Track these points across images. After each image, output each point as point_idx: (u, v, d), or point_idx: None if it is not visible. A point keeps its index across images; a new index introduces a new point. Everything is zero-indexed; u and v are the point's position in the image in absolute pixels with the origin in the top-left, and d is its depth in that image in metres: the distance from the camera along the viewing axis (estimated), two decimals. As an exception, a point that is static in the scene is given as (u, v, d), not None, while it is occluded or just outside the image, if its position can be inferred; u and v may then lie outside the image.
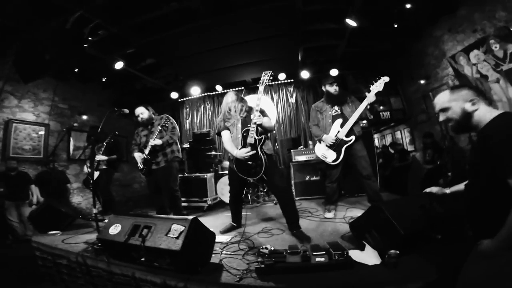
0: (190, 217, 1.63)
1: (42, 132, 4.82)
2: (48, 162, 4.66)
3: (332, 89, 2.95)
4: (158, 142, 3.04)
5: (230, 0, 3.57)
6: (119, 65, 4.51)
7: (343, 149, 2.87)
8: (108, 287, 1.73)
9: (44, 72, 4.54)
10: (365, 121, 3.10)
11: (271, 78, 2.49)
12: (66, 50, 4.02)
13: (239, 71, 5.56)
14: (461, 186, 1.60)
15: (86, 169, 4.09)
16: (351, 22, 3.78)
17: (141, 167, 3.13)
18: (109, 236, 1.75)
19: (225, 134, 2.60)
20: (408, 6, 3.69)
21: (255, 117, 2.32)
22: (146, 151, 3.06)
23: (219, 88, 6.26)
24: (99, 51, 4.26)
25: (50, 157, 4.71)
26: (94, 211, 2.56)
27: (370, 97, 2.77)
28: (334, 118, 2.96)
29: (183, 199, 4.34)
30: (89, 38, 3.87)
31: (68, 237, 2.51)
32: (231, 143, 2.51)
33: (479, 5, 3.38)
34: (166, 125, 3.19)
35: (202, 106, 6.87)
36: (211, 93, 6.65)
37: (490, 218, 1.09)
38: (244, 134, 2.39)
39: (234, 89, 2.55)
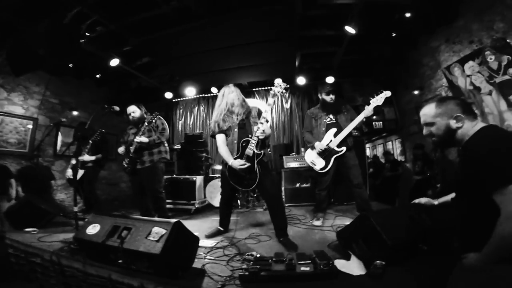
0: (173, 220, 1.57)
1: (30, 126, 4.68)
2: (33, 157, 4.51)
3: (328, 98, 2.94)
4: (144, 139, 2.94)
5: (228, 1, 3.56)
6: (114, 62, 4.44)
7: (332, 159, 2.87)
8: (82, 288, 1.65)
9: (37, 67, 4.46)
10: (356, 131, 3.11)
11: (283, 91, 2.40)
12: (61, 45, 3.94)
13: (236, 74, 5.53)
14: (448, 198, 1.59)
15: (69, 172, 3.94)
16: (350, 30, 3.81)
17: (126, 165, 3.05)
18: (86, 236, 1.67)
19: (220, 138, 2.47)
20: (407, 15, 3.72)
21: (259, 131, 2.24)
22: (132, 149, 2.98)
23: (214, 90, 6.21)
24: (95, 47, 4.19)
25: (35, 151, 4.57)
26: (75, 209, 2.47)
27: (368, 111, 2.77)
28: (328, 127, 2.95)
29: (170, 201, 4.27)
30: (87, 34, 3.80)
31: (45, 235, 2.40)
32: (226, 149, 2.41)
33: (478, 15, 3.39)
34: (156, 124, 3.12)
35: (196, 107, 6.81)
36: (206, 95, 6.61)
37: (476, 232, 1.08)
38: (243, 145, 2.31)
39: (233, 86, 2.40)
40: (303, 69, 5.64)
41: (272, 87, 2.41)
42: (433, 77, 4.52)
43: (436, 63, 4.35)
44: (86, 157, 3.73)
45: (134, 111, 3.16)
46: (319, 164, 2.93)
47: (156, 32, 3.98)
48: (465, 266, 1.10)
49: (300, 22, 3.94)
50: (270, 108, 2.34)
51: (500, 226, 0.98)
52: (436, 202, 1.71)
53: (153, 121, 3.02)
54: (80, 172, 3.76)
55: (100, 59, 4.48)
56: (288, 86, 2.37)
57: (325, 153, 2.88)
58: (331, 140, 2.88)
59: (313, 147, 2.98)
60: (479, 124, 1.21)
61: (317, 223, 2.87)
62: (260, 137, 2.26)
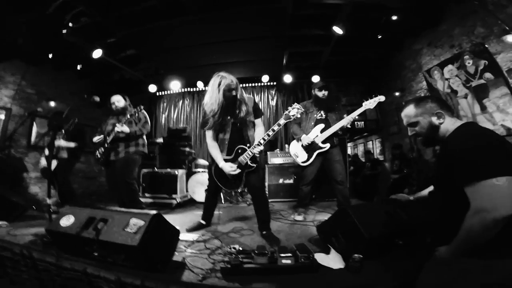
0: (152, 212, 1.53)
1: (2, 116, 4.39)
2: (4, 148, 4.24)
3: (321, 93, 2.96)
4: (126, 129, 2.81)
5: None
6: (97, 53, 4.25)
7: (315, 154, 2.90)
8: (57, 283, 1.57)
9: (14, 56, 4.23)
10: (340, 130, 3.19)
11: (298, 115, 2.19)
12: (42, 35, 3.73)
13: (223, 69, 5.40)
14: (424, 193, 1.66)
15: (43, 162, 3.72)
16: (337, 30, 3.86)
17: (99, 156, 2.93)
18: (60, 228, 1.59)
19: (209, 134, 2.35)
20: (394, 17, 3.81)
21: (257, 149, 2.17)
22: (109, 139, 2.87)
23: (200, 85, 6.12)
24: (79, 38, 4.00)
25: (7, 142, 4.30)
26: (48, 201, 2.35)
27: (358, 111, 2.84)
28: (317, 122, 2.99)
29: (151, 195, 4.17)
30: (70, 25, 3.61)
31: (16, 229, 2.28)
32: (217, 147, 2.32)
33: (461, 20, 3.49)
34: (139, 117, 3.01)
35: (181, 101, 6.68)
36: (191, 89, 6.49)
37: (448, 226, 1.12)
38: (239, 151, 2.25)
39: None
40: (290, 67, 5.67)
41: (289, 108, 2.21)
42: (413, 79, 4.67)
43: (418, 65, 4.49)
44: (62, 142, 3.53)
45: (118, 100, 3.04)
46: (301, 156, 2.97)
47: (143, 25, 3.87)
48: (436, 258, 1.15)
49: (289, 21, 3.95)
50: (278, 128, 2.21)
51: (467, 219, 1.02)
52: (412, 197, 1.78)
53: (136, 114, 2.91)
54: (54, 163, 3.56)
55: (82, 50, 4.28)
56: (300, 109, 2.20)
57: (309, 147, 2.92)
58: (317, 135, 2.92)
59: (299, 140, 3.00)
60: (458, 121, 1.26)
61: (299, 218, 2.91)
62: (257, 154, 2.20)
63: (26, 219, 2.82)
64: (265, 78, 5.95)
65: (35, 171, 4.74)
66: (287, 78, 5.70)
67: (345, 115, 2.96)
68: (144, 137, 3.13)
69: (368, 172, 5.43)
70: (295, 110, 2.18)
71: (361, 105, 2.87)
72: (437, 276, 1.11)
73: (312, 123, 3.00)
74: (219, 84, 2.16)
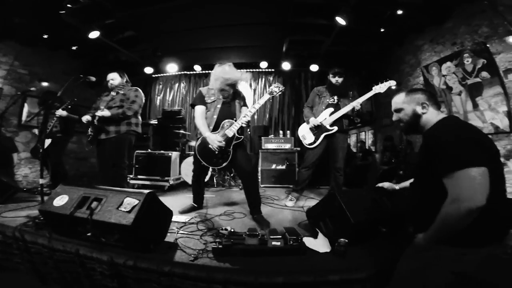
0: (146, 191, 1.55)
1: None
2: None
3: (334, 80, 2.99)
4: (106, 113, 2.69)
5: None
6: (94, 34, 4.09)
7: (321, 136, 2.95)
8: (49, 265, 1.60)
9: (8, 36, 4.08)
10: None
11: (280, 93, 2.46)
12: (40, 16, 3.57)
13: (222, 53, 5.37)
14: (407, 183, 1.73)
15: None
16: (340, 20, 3.81)
17: (89, 133, 2.82)
18: (53, 208, 1.60)
19: (199, 109, 2.44)
20: (399, 12, 3.75)
21: (245, 119, 2.29)
22: (95, 118, 2.75)
23: (197, 68, 6.03)
24: (76, 19, 3.81)
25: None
26: (41, 181, 2.34)
27: (368, 95, 2.85)
28: (328, 106, 3.02)
29: (144, 177, 4.17)
30: (68, 6, 3.44)
31: (7, 211, 2.24)
32: (204, 122, 2.39)
33: (467, 19, 3.47)
34: (128, 96, 2.87)
35: (177, 84, 6.59)
36: (188, 72, 6.38)
37: (427, 215, 1.16)
38: (226, 125, 2.35)
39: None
40: (289, 54, 5.59)
41: (273, 85, 2.45)
42: (411, 74, 4.71)
43: (417, 61, 4.50)
44: (62, 112, 3.45)
45: (114, 78, 2.94)
46: (308, 139, 3.02)
47: (143, 6, 3.73)
48: (413, 246, 1.21)
49: (293, 8, 3.87)
50: (263, 102, 2.43)
51: (444, 208, 1.06)
52: (397, 187, 1.85)
53: (129, 94, 2.84)
54: (47, 143, 3.51)
55: (78, 31, 4.11)
56: (283, 88, 2.46)
57: (317, 130, 2.97)
58: (325, 118, 2.96)
59: (308, 122, 3.05)
60: (441, 115, 1.31)
61: (289, 204, 2.98)
62: (243, 125, 2.31)
63: (17, 200, 2.76)
64: (264, 64, 5.88)
65: (25, 152, 4.68)
66: (286, 66, 5.65)
67: None
68: (139, 116, 3.01)
69: (359, 163, 5.54)
70: (276, 88, 2.43)
71: (371, 90, 2.88)
72: (412, 262, 1.18)
73: (323, 107, 3.03)
74: (223, 71, 2.41)
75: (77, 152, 5.58)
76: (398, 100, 1.42)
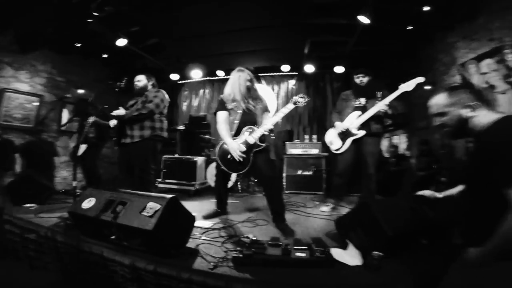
0: (169, 196, 1.54)
1: (36, 103, 4.68)
2: (37, 132, 4.52)
3: (358, 80, 2.90)
4: (121, 112, 2.69)
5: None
6: (121, 42, 4.33)
7: (348, 141, 2.81)
8: (76, 266, 1.64)
9: (44, 45, 4.46)
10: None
11: (305, 104, 2.37)
12: (70, 25, 3.87)
13: (243, 58, 5.44)
14: (453, 191, 1.53)
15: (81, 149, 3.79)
16: (363, 19, 3.64)
17: (113, 135, 2.89)
18: (81, 210, 1.65)
19: (222, 115, 2.40)
20: (426, 8, 3.55)
21: (267, 126, 2.25)
22: (115, 121, 2.80)
23: (220, 73, 6.12)
24: (103, 27, 4.08)
25: (39, 126, 4.57)
26: (74, 184, 2.46)
27: (394, 95, 2.70)
28: (354, 109, 2.89)
29: (170, 181, 4.26)
30: (95, 14, 3.69)
31: (43, 211, 2.37)
32: (226, 128, 2.35)
33: (501, 13, 3.23)
34: (149, 98, 2.83)
35: (201, 90, 6.75)
36: (211, 78, 6.50)
37: (481, 227, 1.04)
38: (247, 131, 2.30)
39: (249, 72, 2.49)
40: (312, 56, 5.46)
41: (298, 95, 2.38)
42: (446, 73, 4.37)
43: (451, 59, 4.20)
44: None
45: (139, 80, 2.95)
46: (335, 144, 2.92)
47: (165, 11, 3.88)
48: (465, 261, 1.05)
49: (312, 8, 3.80)
50: (284, 114, 2.37)
51: (508, 221, 0.92)
52: (440, 195, 1.65)
53: (150, 95, 2.83)
54: (82, 148, 3.73)
55: (107, 39, 4.39)
56: (308, 99, 2.38)
57: (344, 135, 2.86)
58: (352, 122, 2.83)
59: (334, 127, 2.97)
60: (494, 114, 1.13)
61: (324, 208, 2.85)
62: (265, 133, 2.26)
63: (55, 202, 2.94)
64: (286, 68, 5.80)
65: (65, 155, 5.03)
66: (309, 68, 5.51)
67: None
68: (164, 120, 2.98)
69: (392, 169, 5.18)
70: (302, 99, 2.33)
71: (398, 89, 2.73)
72: (465, 279, 1.03)
73: (350, 111, 2.91)
74: (239, 78, 2.41)
75: (110, 156, 5.88)
76: (440, 103, 1.26)
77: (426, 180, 4.24)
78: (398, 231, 1.46)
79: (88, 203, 1.67)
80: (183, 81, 6.72)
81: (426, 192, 1.70)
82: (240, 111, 2.38)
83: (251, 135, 2.25)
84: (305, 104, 2.35)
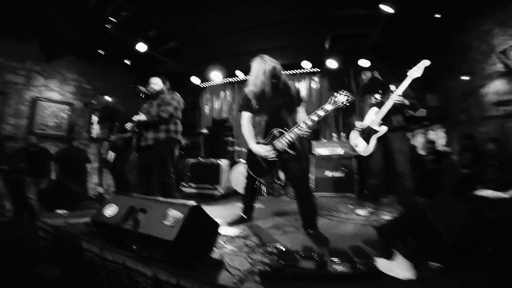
0: (191, 203, 1.42)
1: (68, 112, 4.90)
2: (70, 140, 4.73)
3: (364, 77, 2.84)
4: (142, 117, 2.70)
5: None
6: (141, 47, 4.42)
7: (372, 139, 2.61)
8: (99, 274, 1.58)
9: (67, 51, 4.63)
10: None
11: (347, 103, 1.95)
12: (87, 29, 3.99)
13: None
14: None
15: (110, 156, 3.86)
16: (386, 9, 3.38)
17: (133, 140, 2.86)
18: (103, 217, 1.59)
19: (245, 116, 2.19)
20: None
21: (298, 130, 1.95)
22: (134, 125, 2.79)
23: (239, 74, 6.05)
24: (122, 32, 4.19)
25: (71, 133, 4.78)
26: (100, 190, 2.46)
27: (405, 84, 2.47)
28: (371, 106, 2.73)
29: (194, 185, 4.22)
30: (112, 20, 3.77)
31: (73, 218, 2.40)
32: (250, 129, 2.16)
33: None
34: (165, 100, 2.82)
35: (222, 93, 6.73)
36: (231, 79, 6.46)
37: None
38: (275, 133, 2.05)
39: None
40: (333, 51, 5.19)
41: (335, 94, 1.99)
42: (485, 61, 4.02)
43: (489, 47, 3.89)
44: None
45: (155, 83, 2.93)
46: (360, 145, 2.73)
47: (180, 12, 3.88)
48: None
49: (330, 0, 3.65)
50: (320, 117, 1.97)
51: None
52: (507, 195, 1.38)
53: (166, 98, 2.81)
54: (111, 154, 3.77)
55: (128, 44, 4.50)
56: (353, 98, 1.99)
57: (365, 133, 2.69)
58: (372, 120, 2.65)
59: (355, 128, 2.82)
60: None
61: (361, 212, 2.65)
62: (299, 134, 1.96)
63: (85, 208, 3.00)
64: (306, 64, 5.58)
65: (96, 162, 5.20)
66: (331, 63, 5.24)
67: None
68: (179, 123, 2.93)
69: (430, 167, 4.74)
70: (342, 97, 1.94)
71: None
72: None
73: (368, 109, 2.75)
74: (263, 70, 2.05)
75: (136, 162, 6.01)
76: (500, 91, 1.03)
77: (472, 178, 3.80)
78: (458, 238, 1.23)
79: (110, 210, 1.61)
80: (204, 84, 6.75)
81: (488, 192, 1.44)
82: (269, 110, 2.12)
83: (280, 140, 2.01)
84: (348, 104, 1.95)
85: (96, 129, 5.24)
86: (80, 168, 4.70)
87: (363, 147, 2.69)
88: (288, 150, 1.99)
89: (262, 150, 2.04)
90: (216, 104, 6.78)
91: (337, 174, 3.93)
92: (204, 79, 6.28)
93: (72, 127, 4.62)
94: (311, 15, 3.99)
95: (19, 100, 4.40)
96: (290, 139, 1.98)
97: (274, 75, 2.03)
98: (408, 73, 2.49)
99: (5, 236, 2.82)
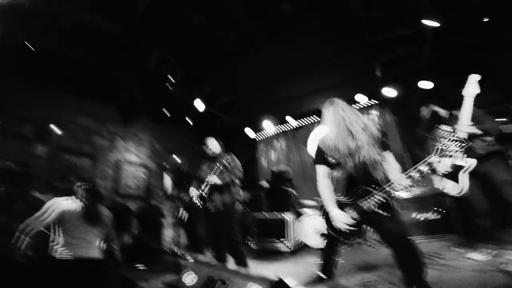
0: (272, 276, 1.29)
1: (145, 174, 5.51)
2: (147, 198, 5.24)
3: (426, 112, 2.65)
4: (217, 180, 2.87)
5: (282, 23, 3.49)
6: (199, 104, 4.72)
7: (461, 177, 2.19)
8: None
9: (139, 113, 5.20)
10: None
11: (462, 150, 1.64)
12: (152, 90, 4.44)
13: (310, 98, 5.30)
14: None
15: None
16: (429, 23, 3.19)
17: (198, 203, 2.97)
18: (183, 285, 1.59)
19: (321, 170, 1.93)
20: None
21: (394, 187, 1.68)
22: (203, 187, 2.93)
23: (290, 120, 6.06)
24: (181, 91, 4.53)
25: (148, 193, 5.30)
26: (177, 250, 2.55)
27: (467, 105, 2.22)
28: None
29: (262, 240, 4.13)
30: (170, 77, 4.13)
31: (150, 273, 2.55)
32: (328, 185, 1.90)
33: None
34: (230, 165, 3.01)
35: (277, 143, 6.72)
36: (283, 128, 6.50)
37: None
38: (359, 192, 1.76)
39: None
40: (387, 79, 4.88)
41: (443, 140, 1.69)
42: None
43: None
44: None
45: (215, 146, 3.13)
46: (448, 186, 2.33)
47: (225, 65, 4.16)
48: None
49: (367, 26, 3.54)
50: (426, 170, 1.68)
51: None
52: None
53: (229, 164, 2.98)
54: (185, 214, 3.99)
55: (187, 103, 4.85)
56: (469, 144, 1.90)
57: (450, 172, 2.25)
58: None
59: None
60: None
61: (478, 257, 2.18)
62: (389, 199, 1.68)
63: (161, 263, 3.15)
64: (361, 98, 5.24)
65: (170, 218, 5.51)
66: (389, 92, 4.88)
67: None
68: (237, 184, 3.08)
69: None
70: (453, 145, 1.59)
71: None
72: None
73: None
74: (340, 120, 1.85)
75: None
76: None
77: None
78: None
79: (189, 279, 1.61)
80: (258, 136, 6.90)
81: None
82: (352, 165, 1.79)
83: (367, 201, 1.73)
84: (463, 150, 1.64)
85: (169, 188, 5.70)
86: (156, 224, 5.06)
87: (452, 186, 2.28)
88: (379, 212, 1.69)
89: (341, 220, 1.75)
90: (272, 155, 6.72)
91: (427, 215, 3.31)
92: (257, 129, 6.41)
93: (149, 188, 5.09)
94: (355, 45, 3.91)
95: (105, 162, 4.85)
96: (378, 199, 1.70)
97: (350, 123, 1.82)
98: (464, 94, 2.24)
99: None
